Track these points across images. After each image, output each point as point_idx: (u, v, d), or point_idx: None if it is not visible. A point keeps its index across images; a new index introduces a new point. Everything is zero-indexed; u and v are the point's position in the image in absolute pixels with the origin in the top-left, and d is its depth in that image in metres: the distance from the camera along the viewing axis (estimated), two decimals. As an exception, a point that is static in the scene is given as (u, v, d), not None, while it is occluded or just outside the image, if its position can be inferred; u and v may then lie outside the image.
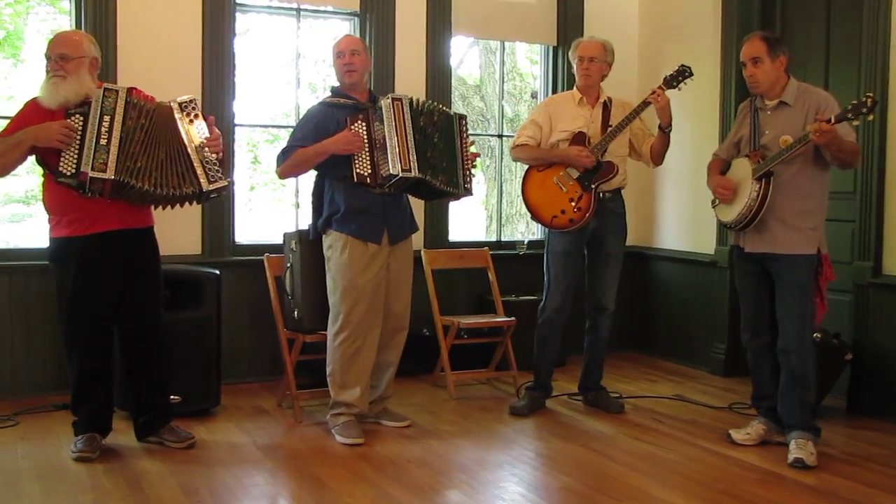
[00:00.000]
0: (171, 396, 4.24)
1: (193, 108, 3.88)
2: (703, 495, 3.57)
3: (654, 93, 4.50)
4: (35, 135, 3.66)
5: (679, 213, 6.10)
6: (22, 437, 4.22)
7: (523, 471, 3.97)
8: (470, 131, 4.47)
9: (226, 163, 3.93)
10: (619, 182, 4.73)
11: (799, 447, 3.93)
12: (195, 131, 3.86)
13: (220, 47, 5.19)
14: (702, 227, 5.80)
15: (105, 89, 3.73)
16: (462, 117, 4.45)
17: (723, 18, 5.64)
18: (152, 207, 4.01)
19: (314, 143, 4.20)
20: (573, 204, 4.60)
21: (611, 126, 4.60)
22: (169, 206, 3.95)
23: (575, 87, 4.80)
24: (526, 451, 4.23)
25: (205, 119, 3.91)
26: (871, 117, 3.77)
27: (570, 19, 6.12)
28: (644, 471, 3.88)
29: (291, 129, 4.54)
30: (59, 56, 3.78)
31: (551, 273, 4.78)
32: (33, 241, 7.58)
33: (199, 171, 3.82)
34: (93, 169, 3.60)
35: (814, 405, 4.16)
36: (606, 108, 4.71)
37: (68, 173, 3.64)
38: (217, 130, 3.96)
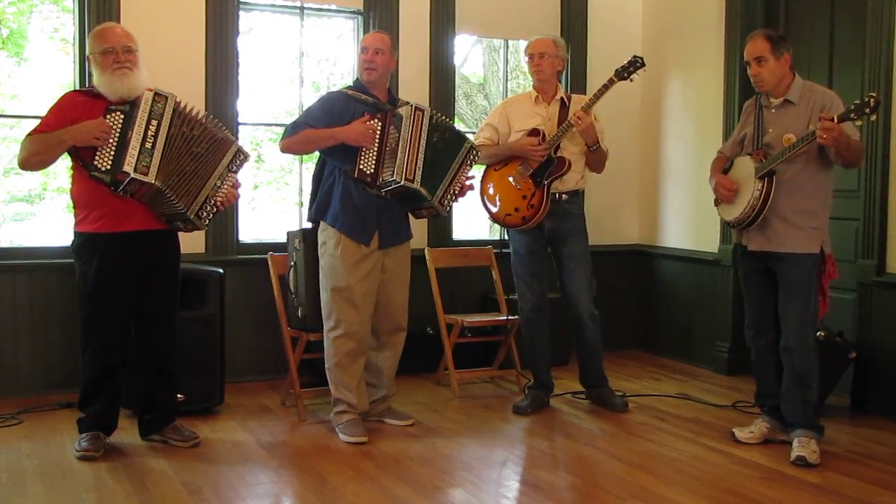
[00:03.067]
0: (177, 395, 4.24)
1: (242, 161, 3.98)
2: (707, 493, 3.57)
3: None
4: (74, 135, 3.68)
5: (683, 211, 6.10)
6: (26, 435, 4.23)
7: (527, 469, 3.97)
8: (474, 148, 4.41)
9: (217, 215, 4.01)
10: (576, 183, 4.70)
11: (802, 445, 3.93)
12: (227, 176, 3.92)
13: (223, 45, 5.19)
14: (705, 226, 5.79)
15: (156, 93, 3.76)
16: (473, 148, 4.37)
17: (726, 16, 5.63)
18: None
19: (324, 127, 4.18)
20: (526, 201, 4.61)
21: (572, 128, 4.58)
22: (159, 217, 3.91)
23: (531, 86, 4.80)
24: (530, 450, 4.23)
25: (237, 178, 4.00)
26: (874, 117, 3.76)
27: (573, 17, 6.11)
28: (648, 469, 3.88)
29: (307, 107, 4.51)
30: (126, 48, 3.81)
31: (518, 274, 4.79)
32: (38, 240, 7.64)
33: (200, 199, 3.85)
34: (135, 171, 3.63)
35: (817, 404, 4.15)
36: (564, 104, 4.71)
37: (103, 168, 3.67)
38: (239, 193, 4.03)
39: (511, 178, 4.66)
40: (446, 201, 4.31)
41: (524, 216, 4.63)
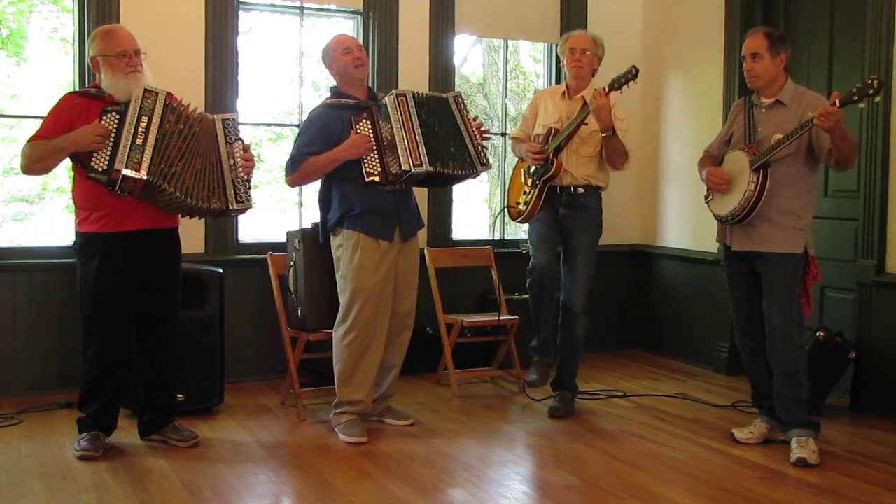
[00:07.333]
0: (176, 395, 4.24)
1: (234, 127, 3.95)
2: (707, 493, 3.57)
3: (593, 94, 4.43)
4: (75, 141, 3.70)
5: (682, 211, 6.10)
6: (26, 435, 4.23)
7: (527, 469, 3.98)
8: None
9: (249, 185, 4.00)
10: (588, 178, 4.64)
11: (800, 446, 3.93)
12: (233, 148, 3.90)
13: (223, 45, 5.19)
14: (705, 225, 5.77)
15: (145, 90, 3.77)
16: (457, 96, 4.42)
17: (726, 16, 5.63)
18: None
19: (322, 146, 4.19)
20: (525, 196, 4.70)
21: (585, 124, 4.54)
22: (189, 217, 3.96)
23: (564, 82, 4.79)
24: (529, 449, 4.23)
25: (241, 140, 3.96)
26: (878, 99, 3.66)
27: (573, 17, 6.10)
28: (647, 469, 3.88)
29: (295, 134, 4.53)
30: (137, 52, 3.86)
31: (531, 238, 4.81)
32: (38, 240, 7.64)
33: (230, 188, 3.85)
34: (126, 167, 3.62)
35: (811, 401, 4.14)
36: (585, 105, 4.62)
37: (100, 169, 3.67)
38: (252, 153, 4.00)
39: (522, 171, 4.79)
40: (483, 157, 4.34)
41: (520, 210, 4.72)
